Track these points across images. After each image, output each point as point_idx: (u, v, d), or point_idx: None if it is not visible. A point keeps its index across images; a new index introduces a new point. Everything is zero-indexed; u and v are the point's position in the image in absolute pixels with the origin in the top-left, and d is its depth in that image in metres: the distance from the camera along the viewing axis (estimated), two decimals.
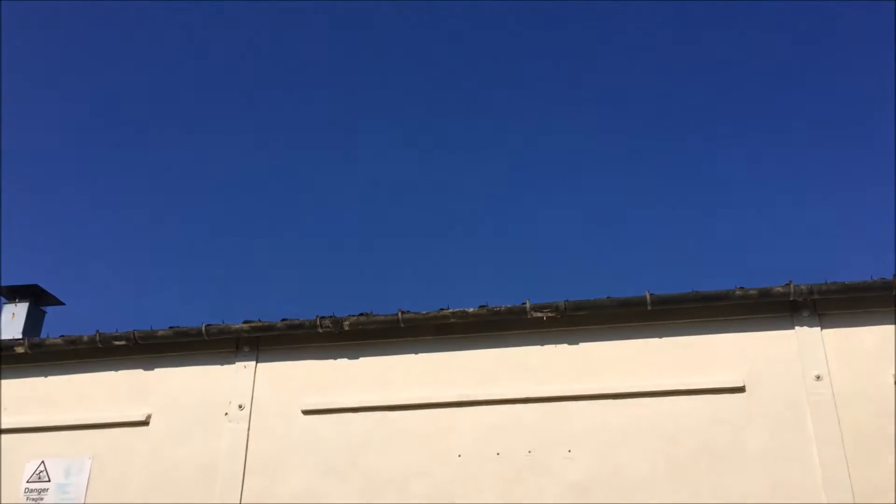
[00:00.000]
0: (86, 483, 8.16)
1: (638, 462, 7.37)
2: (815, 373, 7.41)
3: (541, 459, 7.53)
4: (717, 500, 7.12)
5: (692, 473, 7.26)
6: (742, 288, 7.63)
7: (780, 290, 7.56)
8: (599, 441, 7.51)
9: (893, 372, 7.31)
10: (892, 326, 7.50)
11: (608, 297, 7.82)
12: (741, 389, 7.49)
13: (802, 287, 7.51)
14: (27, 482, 8.26)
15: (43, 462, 8.33)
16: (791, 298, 7.56)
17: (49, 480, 8.23)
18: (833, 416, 7.22)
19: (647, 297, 7.70)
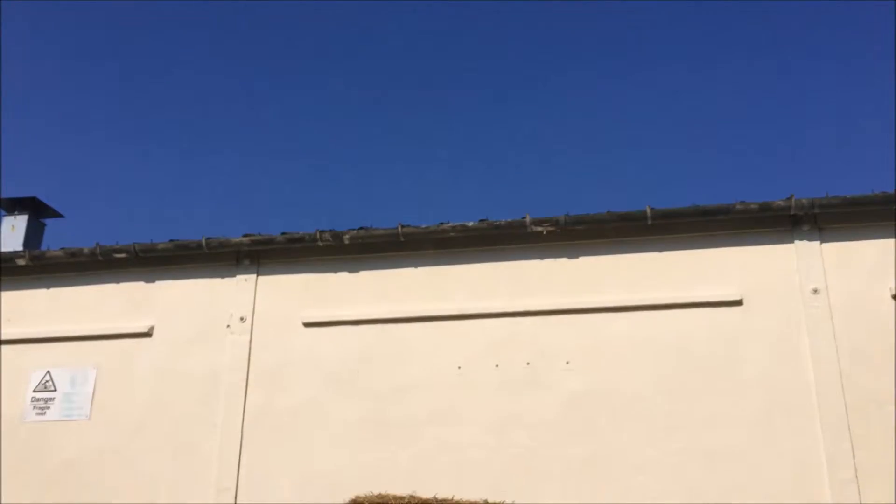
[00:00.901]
0: (91, 393, 8.30)
1: (634, 374, 7.47)
2: (813, 286, 7.44)
3: (539, 371, 7.63)
4: (712, 411, 7.25)
5: (688, 386, 7.37)
6: (743, 202, 7.60)
7: (782, 203, 7.53)
8: (597, 354, 7.60)
9: (892, 285, 7.34)
10: (892, 240, 7.50)
11: (608, 212, 7.80)
12: (738, 303, 7.53)
13: (804, 200, 7.48)
14: (33, 392, 8.39)
15: (48, 372, 8.45)
16: (792, 212, 7.54)
17: (55, 390, 8.37)
18: (829, 330, 7.29)
19: (648, 211, 7.67)
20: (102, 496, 7.85)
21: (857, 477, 6.86)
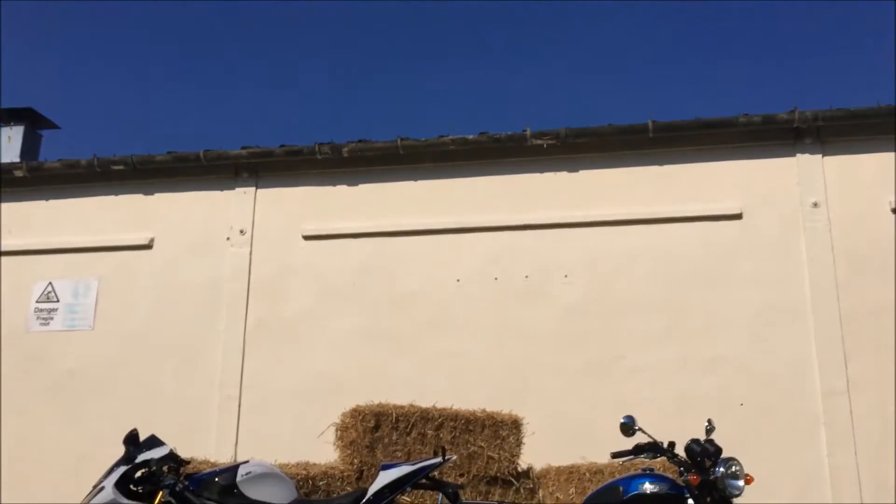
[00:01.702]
0: (94, 303, 8.37)
1: (632, 286, 7.52)
2: (813, 200, 7.43)
3: (538, 284, 7.68)
4: (708, 321, 7.33)
5: (685, 296, 7.43)
6: (746, 115, 7.52)
7: (785, 116, 7.46)
8: (596, 266, 7.63)
9: (892, 199, 7.33)
10: (893, 154, 7.46)
11: (609, 125, 7.72)
12: (738, 216, 7.53)
13: (807, 113, 7.40)
14: (36, 302, 8.46)
15: (51, 283, 8.50)
16: (795, 125, 7.47)
17: (58, 301, 8.43)
18: (827, 242, 7.30)
19: (650, 124, 7.60)
20: (108, 404, 7.99)
21: (848, 388, 6.99)
